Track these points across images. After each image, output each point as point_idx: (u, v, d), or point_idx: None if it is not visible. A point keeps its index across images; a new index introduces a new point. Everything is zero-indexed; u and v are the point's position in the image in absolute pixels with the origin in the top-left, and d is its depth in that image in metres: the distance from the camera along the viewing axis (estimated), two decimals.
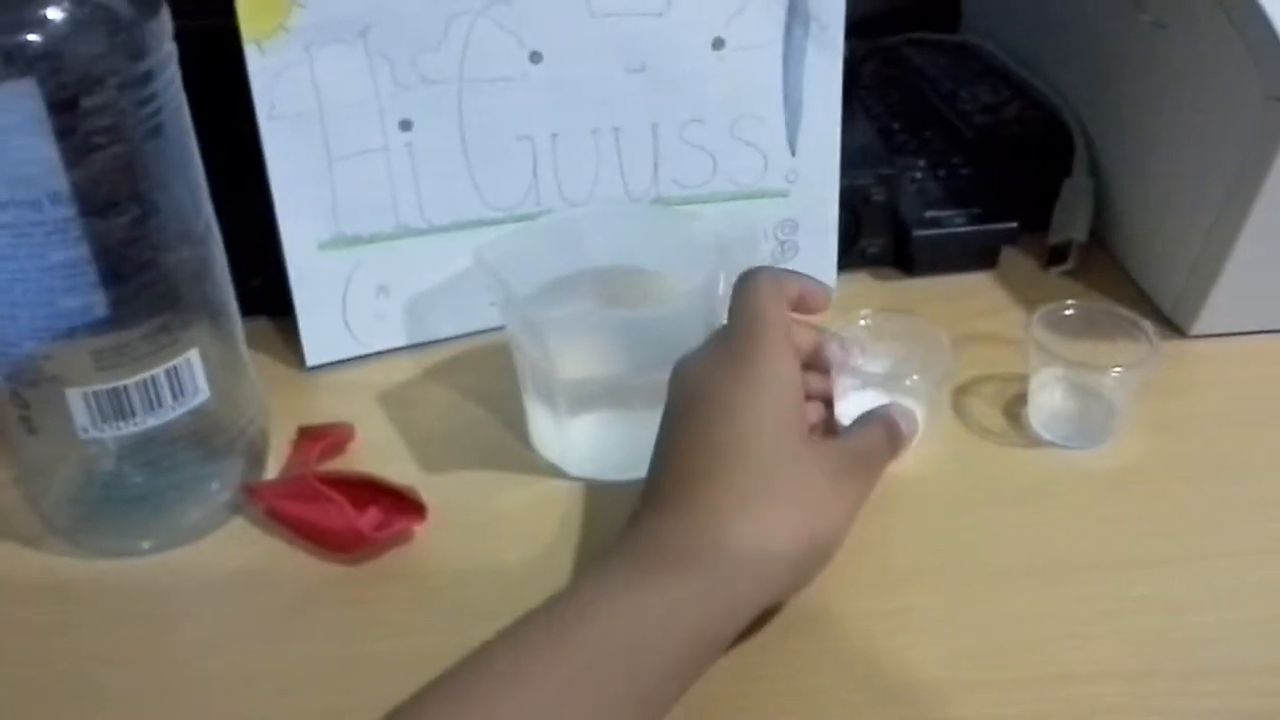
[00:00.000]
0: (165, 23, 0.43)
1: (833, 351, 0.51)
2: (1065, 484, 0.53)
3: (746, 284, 0.48)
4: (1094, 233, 0.68)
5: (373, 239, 0.59)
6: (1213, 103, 0.59)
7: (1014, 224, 0.66)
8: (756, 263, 0.57)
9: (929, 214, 0.66)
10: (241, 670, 0.45)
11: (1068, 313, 0.56)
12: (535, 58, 0.58)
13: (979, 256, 0.67)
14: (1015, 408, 0.57)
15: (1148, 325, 0.55)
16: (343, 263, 0.59)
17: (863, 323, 0.55)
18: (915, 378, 0.53)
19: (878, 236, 0.66)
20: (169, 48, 0.43)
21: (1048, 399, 0.56)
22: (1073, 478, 0.53)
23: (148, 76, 0.42)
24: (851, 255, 0.65)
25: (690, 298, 0.52)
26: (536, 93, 0.58)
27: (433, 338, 0.62)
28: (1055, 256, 0.67)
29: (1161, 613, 0.46)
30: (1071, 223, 0.67)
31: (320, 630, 0.47)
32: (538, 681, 0.37)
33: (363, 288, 0.60)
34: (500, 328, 0.58)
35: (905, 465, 0.51)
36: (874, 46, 0.87)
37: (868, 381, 0.52)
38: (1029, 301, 0.65)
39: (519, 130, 0.59)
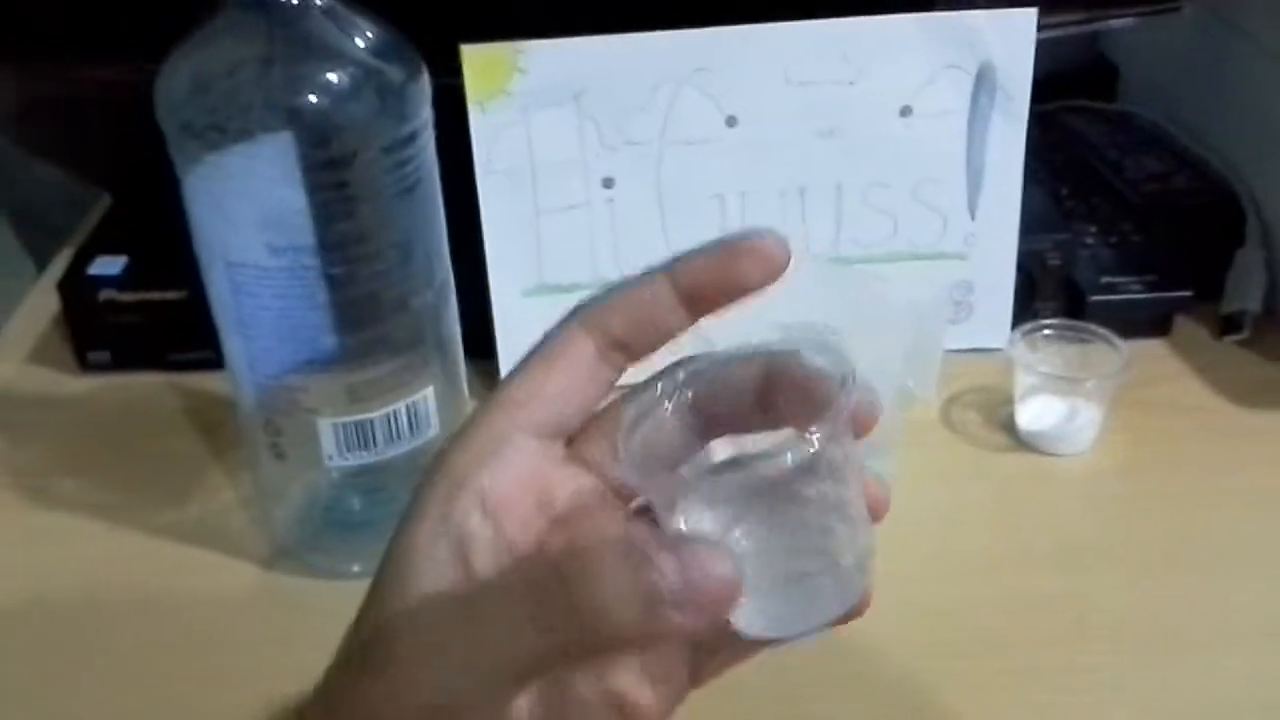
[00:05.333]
0: (426, 87, 0.47)
1: None
2: None
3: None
4: (1267, 303, 0.68)
5: (572, 288, 0.62)
6: None
7: (1189, 292, 0.67)
8: (943, 327, 0.59)
9: (1104, 279, 0.67)
10: None
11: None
12: (731, 121, 0.61)
13: (1153, 323, 0.68)
14: None
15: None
16: (544, 310, 0.62)
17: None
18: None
19: (1051, 300, 0.67)
20: (428, 112, 0.47)
21: None
22: None
23: (410, 138, 0.46)
24: (1024, 318, 0.66)
25: (874, 359, 0.54)
26: (730, 154, 0.62)
27: (623, 382, 0.65)
28: (1229, 325, 0.68)
29: None
30: (1245, 293, 0.68)
31: None
32: None
33: None
34: None
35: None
36: (1033, 113, 0.89)
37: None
38: (1202, 369, 0.66)
39: (712, 189, 0.62)
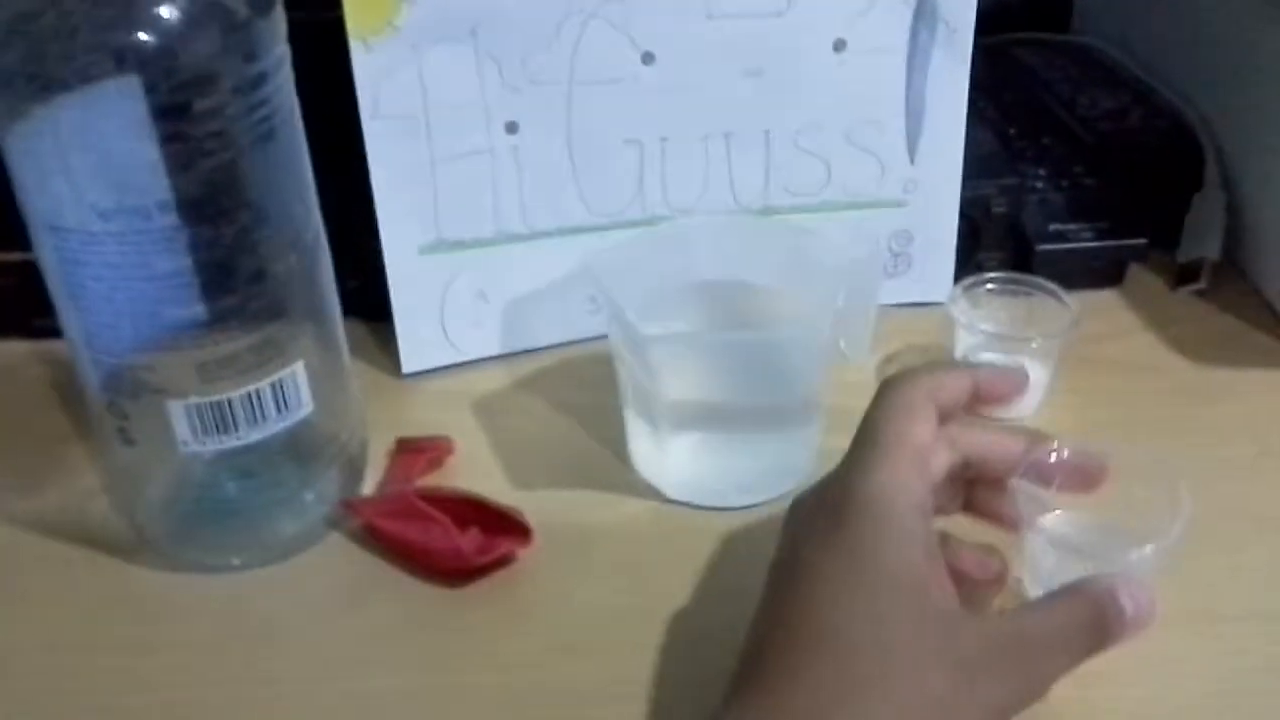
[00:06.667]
0: (279, 22, 0.41)
1: (1021, 494, 0.41)
2: None
3: (881, 399, 0.41)
4: (1227, 250, 0.64)
5: (474, 243, 0.57)
6: None
7: (1144, 240, 0.62)
8: (878, 284, 0.54)
9: (1053, 227, 0.62)
10: (334, 696, 0.43)
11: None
12: (648, 59, 0.55)
13: (1104, 273, 0.63)
14: None
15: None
16: (443, 267, 0.57)
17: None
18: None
19: (997, 250, 0.62)
20: (282, 49, 0.41)
21: None
22: None
23: (261, 78, 0.40)
24: (967, 269, 0.62)
25: (802, 320, 0.50)
26: (647, 95, 0.56)
27: (529, 346, 0.60)
28: (1185, 275, 0.64)
29: None
30: (1203, 240, 0.64)
31: (416, 658, 0.45)
32: None
33: (461, 293, 0.58)
34: (599, 337, 0.55)
35: None
36: (980, 46, 0.84)
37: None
38: (1157, 323, 0.61)
39: (627, 134, 0.57)
